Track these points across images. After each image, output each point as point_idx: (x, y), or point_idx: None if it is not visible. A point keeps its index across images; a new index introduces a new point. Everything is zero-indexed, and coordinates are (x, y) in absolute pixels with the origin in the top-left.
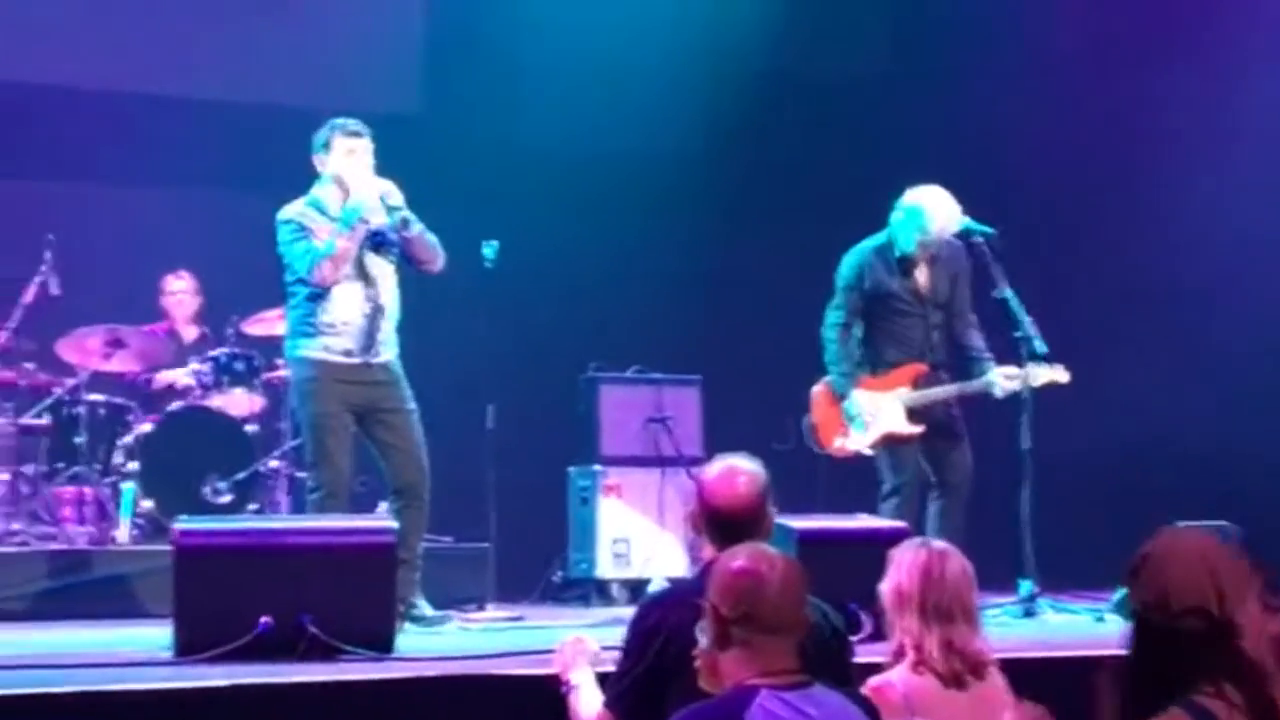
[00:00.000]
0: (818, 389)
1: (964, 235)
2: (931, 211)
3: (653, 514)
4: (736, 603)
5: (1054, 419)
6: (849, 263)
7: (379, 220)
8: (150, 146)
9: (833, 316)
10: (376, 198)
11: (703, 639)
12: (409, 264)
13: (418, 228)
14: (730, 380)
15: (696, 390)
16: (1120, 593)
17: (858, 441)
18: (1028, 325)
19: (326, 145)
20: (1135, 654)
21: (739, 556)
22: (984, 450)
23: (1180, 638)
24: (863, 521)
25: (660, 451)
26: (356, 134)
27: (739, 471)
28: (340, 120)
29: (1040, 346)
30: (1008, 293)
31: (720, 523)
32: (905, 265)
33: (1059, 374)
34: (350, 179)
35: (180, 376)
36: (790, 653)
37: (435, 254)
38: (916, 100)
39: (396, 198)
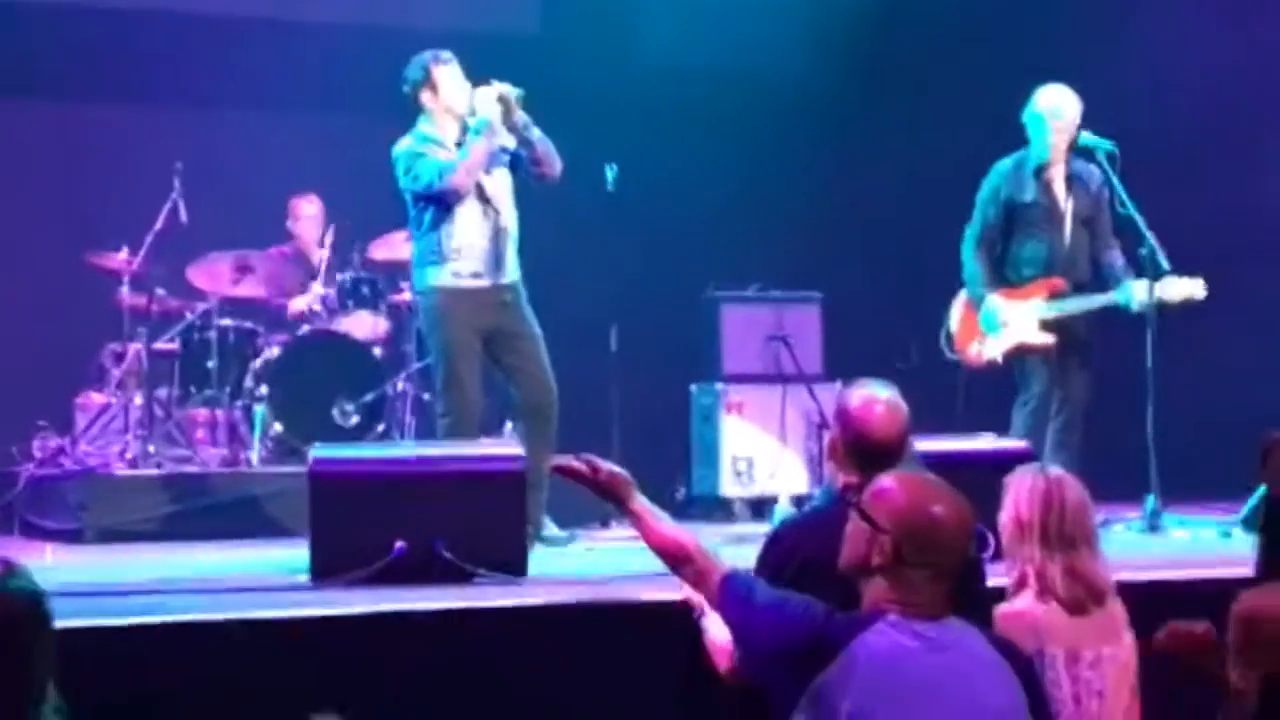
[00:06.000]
0: (956, 300)
1: (1085, 150)
2: (1053, 105)
3: (774, 431)
4: (915, 542)
5: (1181, 336)
6: (987, 179)
7: (501, 140)
8: (273, 71)
9: (970, 231)
10: (497, 105)
11: (851, 549)
12: (529, 171)
13: (537, 132)
14: (851, 298)
15: (817, 308)
16: (1249, 504)
17: (992, 348)
18: (1152, 240)
19: (428, 79)
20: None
21: (916, 491)
22: (1110, 367)
23: None
24: (986, 442)
25: (781, 369)
26: (450, 60)
27: (882, 399)
28: (428, 53)
29: (1165, 263)
30: (1131, 209)
31: (865, 452)
32: (1043, 178)
33: (1195, 287)
34: (464, 99)
35: (309, 302)
36: (943, 595)
37: (554, 158)
38: (1048, 8)
39: (516, 95)
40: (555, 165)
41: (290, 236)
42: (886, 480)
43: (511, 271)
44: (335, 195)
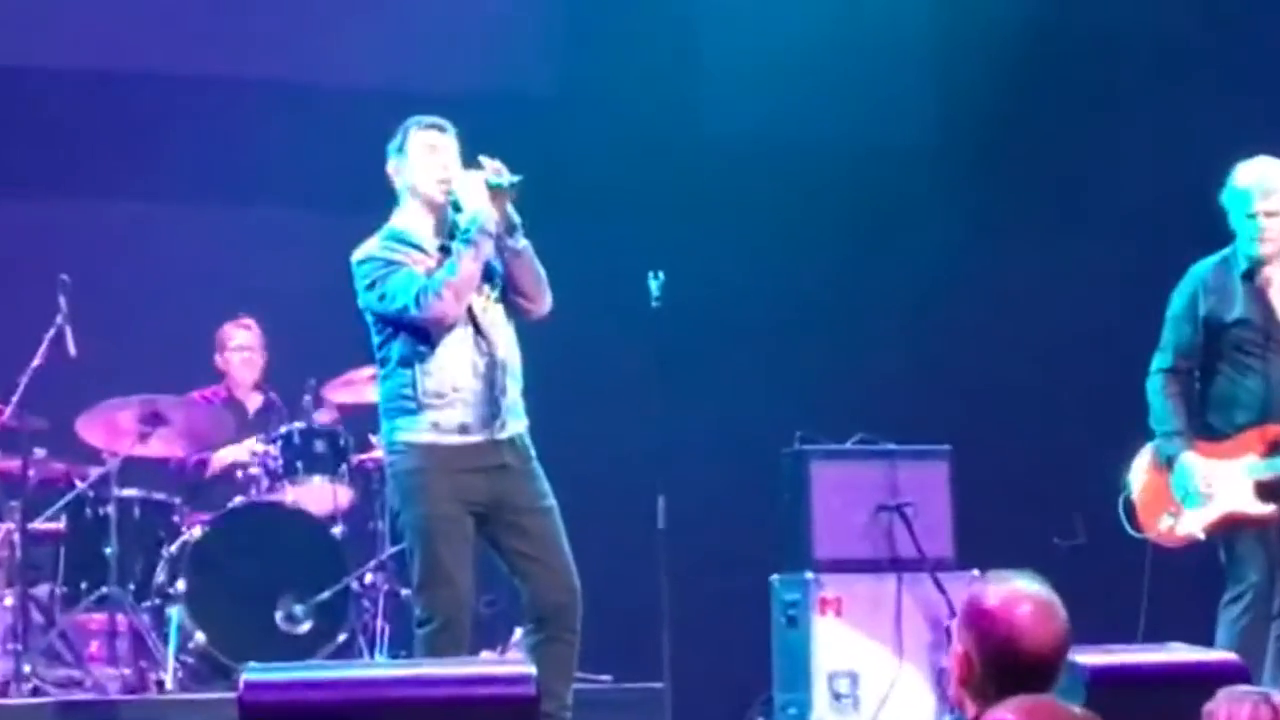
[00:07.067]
0: (1140, 457)
1: None
2: (1259, 181)
3: (887, 637)
4: None
5: None
6: (1181, 287)
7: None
8: (199, 149)
9: (1158, 360)
10: (484, 193)
11: None
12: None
13: (525, 241)
14: (989, 453)
15: (944, 465)
16: None
17: (1190, 522)
18: None
19: (401, 147)
20: None
21: None
22: None
23: None
24: (1180, 654)
25: (896, 551)
26: (436, 127)
27: (1031, 597)
28: (415, 117)
29: None
30: None
31: (1009, 670)
32: (1255, 285)
33: None
34: (435, 180)
35: (243, 454)
36: None
37: (542, 287)
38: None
39: (509, 183)
40: (541, 296)
41: (219, 375)
42: (1002, 712)
43: (513, 422)
44: (281, 317)
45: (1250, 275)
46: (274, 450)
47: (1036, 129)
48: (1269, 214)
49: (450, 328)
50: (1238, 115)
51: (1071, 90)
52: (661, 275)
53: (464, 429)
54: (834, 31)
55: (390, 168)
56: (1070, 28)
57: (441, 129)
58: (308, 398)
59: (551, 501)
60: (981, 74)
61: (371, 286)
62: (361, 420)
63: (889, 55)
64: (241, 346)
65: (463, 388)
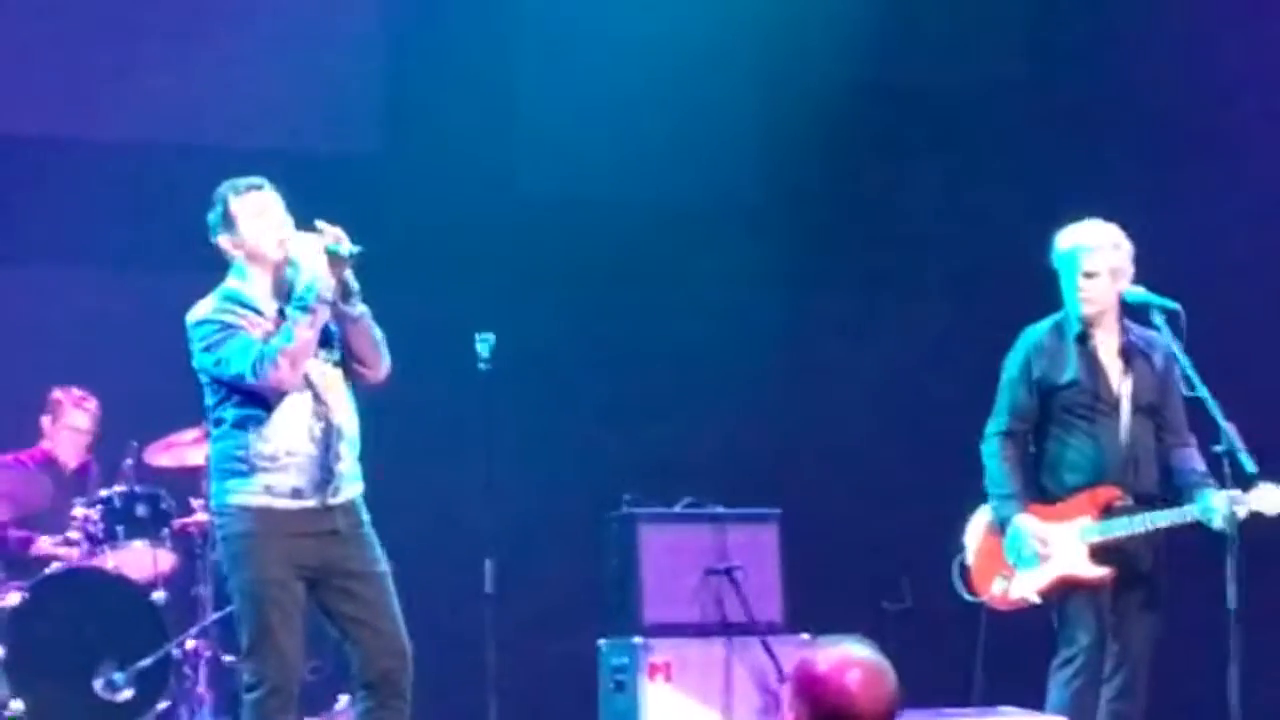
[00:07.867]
0: (975, 519)
1: (1139, 311)
2: (1083, 241)
3: (717, 702)
4: None
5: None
6: (1014, 352)
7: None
8: (17, 204)
9: (994, 424)
10: (323, 260)
11: None
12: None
13: (362, 307)
14: (819, 517)
15: (774, 529)
16: None
17: (1023, 585)
18: (1231, 434)
19: (226, 218)
20: None
21: None
22: (1184, 609)
23: None
24: (1010, 718)
25: (725, 615)
26: (255, 187)
27: (860, 663)
28: (226, 184)
29: (1249, 464)
30: (1203, 391)
31: None
32: (1088, 349)
33: None
34: (275, 241)
35: (64, 546)
36: None
37: (380, 352)
38: (1064, 114)
39: (349, 253)
40: (379, 362)
41: (40, 437)
42: None
43: (348, 487)
44: (101, 376)
45: (1083, 338)
46: (94, 514)
47: (858, 189)
48: (1090, 274)
49: (287, 391)
50: (1061, 174)
51: (892, 151)
52: (490, 337)
53: (297, 493)
54: (654, 92)
55: (220, 240)
56: (893, 88)
57: (260, 188)
58: (129, 461)
59: (384, 566)
60: (802, 134)
61: (208, 349)
62: (183, 483)
63: (708, 116)
64: (77, 428)
65: (297, 452)
